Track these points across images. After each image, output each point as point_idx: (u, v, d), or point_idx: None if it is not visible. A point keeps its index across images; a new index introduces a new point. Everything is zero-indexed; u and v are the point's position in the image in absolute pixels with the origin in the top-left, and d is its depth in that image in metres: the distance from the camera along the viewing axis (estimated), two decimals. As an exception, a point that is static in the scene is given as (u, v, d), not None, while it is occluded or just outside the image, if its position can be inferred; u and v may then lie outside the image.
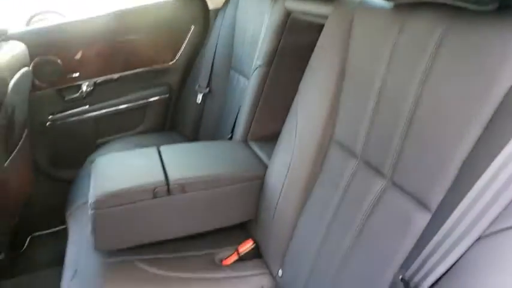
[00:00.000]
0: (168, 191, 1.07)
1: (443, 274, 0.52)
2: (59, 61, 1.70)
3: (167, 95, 1.96)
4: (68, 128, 1.80)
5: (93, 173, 1.15)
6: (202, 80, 1.82)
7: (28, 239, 1.65)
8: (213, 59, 1.79)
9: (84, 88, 1.82)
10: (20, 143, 1.47)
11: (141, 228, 1.09)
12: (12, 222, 1.43)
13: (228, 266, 1.15)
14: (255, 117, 1.39)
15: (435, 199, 0.64)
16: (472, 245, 0.50)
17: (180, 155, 1.24)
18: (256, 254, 1.18)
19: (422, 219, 0.65)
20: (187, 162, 1.19)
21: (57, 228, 1.63)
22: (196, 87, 1.84)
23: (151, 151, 1.24)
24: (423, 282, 0.54)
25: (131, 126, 1.94)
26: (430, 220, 0.63)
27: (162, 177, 1.09)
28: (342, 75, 0.94)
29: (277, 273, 1.08)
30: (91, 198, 1.04)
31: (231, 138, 1.48)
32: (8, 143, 1.33)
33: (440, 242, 0.53)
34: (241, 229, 1.25)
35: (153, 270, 1.06)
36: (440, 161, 0.65)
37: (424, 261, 0.55)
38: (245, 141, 1.40)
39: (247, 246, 1.18)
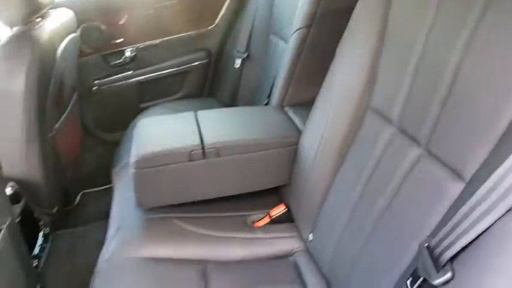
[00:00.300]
0: (204, 155, 1.11)
1: (468, 245, 0.51)
2: (104, 27, 1.76)
3: (206, 60, 1.98)
4: (112, 92, 1.88)
5: (135, 135, 1.21)
6: (241, 45, 1.82)
7: (79, 196, 1.78)
8: (253, 23, 1.77)
9: (127, 54, 1.89)
10: (70, 106, 1.56)
11: (178, 188, 1.15)
12: (64, 180, 1.55)
13: (259, 228, 1.19)
14: (292, 82, 1.37)
15: (470, 169, 0.62)
16: (499, 218, 0.48)
17: (216, 119, 1.27)
18: (287, 218, 1.21)
19: (455, 189, 0.64)
20: (222, 127, 1.22)
21: (104, 187, 1.74)
22: (235, 52, 1.84)
23: (189, 116, 1.27)
24: (447, 252, 0.53)
25: (171, 92, 2.00)
26: (462, 190, 0.61)
27: (198, 141, 1.12)
28: (381, 40, 0.91)
29: (308, 237, 1.10)
30: (132, 159, 1.10)
31: (267, 103, 1.48)
32: (58, 106, 1.42)
33: (468, 213, 0.51)
34: (274, 194, 1.27)
35: (189, 227, 1.12)
36: (478, 131, 0.62)
37: (451, 231, 0.54)
38: (281, 106, 1.39)
39: (279, 210, 1.21)
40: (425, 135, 0.75)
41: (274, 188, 1.25)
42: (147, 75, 1.93)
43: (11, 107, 1.19)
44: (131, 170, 1.10)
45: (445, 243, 0.54)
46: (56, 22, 1.41)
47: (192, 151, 1.10)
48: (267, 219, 1.21)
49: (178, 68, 1.96)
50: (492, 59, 0.61)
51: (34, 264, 1.18)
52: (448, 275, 0.53)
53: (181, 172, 1.12)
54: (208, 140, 1.13)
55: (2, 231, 0.87)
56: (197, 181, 1.16)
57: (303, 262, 1.09)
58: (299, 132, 1.20)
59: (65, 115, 1.49)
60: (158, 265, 1.02)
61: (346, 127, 0.98)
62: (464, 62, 0.66)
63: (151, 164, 1.08)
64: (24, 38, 1.22)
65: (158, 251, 1.06)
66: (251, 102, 1.73)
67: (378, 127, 0.90)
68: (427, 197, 0.71)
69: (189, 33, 1.94)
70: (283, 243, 1.15)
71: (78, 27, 1.64)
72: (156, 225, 1.13)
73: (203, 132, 1.17)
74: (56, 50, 1.37)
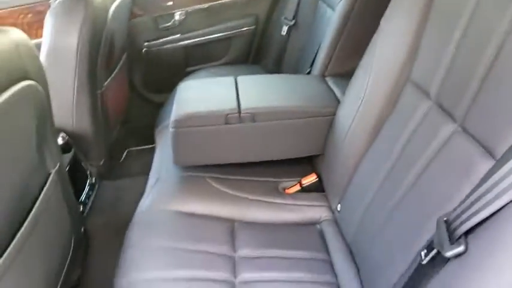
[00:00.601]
0: (239, 119, 1.13)
1: (485, 221, 0.50)
2: (155, -11, 1.81)
3: (253, 27, 1.98)
4: (161, 55, 1.94)
5: (176, 96, 1.25)
6: (289, 12, 1.79)
7: (125, 152, 1.89)
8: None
9: (176, 17, 1.92)
10: (119, 65, 1.64)
11: (213, 150, 1.19)
12: (111, 135, 1.65)
13: (290, 195, 1.21)
14: (336, 51, 1.34)
15: (502, 148, 0.59)
16: None
17: (255, 85, 1.28)
18: (318, 188, 1.22)
19: (484, 166, 0.61)
20: (260, 93, 1.23)
21: (149, 146, 1.84)
22: (282, 19, 1.82)
23: (229, 80, 1.29)
24: (463, 225, 0.52)
25: (217, 57, 2.02)
26: (490, 168, 0.59)
27: (234, 105, 1.14)
28: (427, 12, 0.87)
29: (336, 207, 1.11)
30: (172, 118, 1.15)
31: (310, 72, 1.47)
32: (108, 64, 1.50)
33: (490, 189, 0.50)
34: (307, 163, 1.28)
35: (221, 187, 1.17)
36: None
37: (470, 206, 0.52)
38: (322, 76, 1.37)
39: (310, 179, 1.22)
40: (461, 111, 0.72)
41: (308, 157, 1.26)
42: (195, 39, 1.96)
43: (65, 62, 1.27)
44: (170, 129, 1.15)
45: (463, 217, 0.53)
46: (109, -17, 1.46)
47: (228, 114, 1.12)
48: (297, 187, 1.23)
49: (225, 33, 1.97)
50: None
51: (80, 210, 1.30)
52: (461, 248, 0.52)
53: (217, 134, 1.15)
54: (245, 104, 1.15)
55: (52, 175, 0.96)
56: (232, 144, 1.19)
57: (329, 231, 1.10)
58: (337, 103, 1.19)
59: (113, 74, 1.57)
60: (190, 219, 1.08)
61: (384, 100, 0.96)
62: (509, 38, 0.62)
63: (188, 124, 1.13)
64: None
65: (190, 207, 1.11)
66: (295, 70, 1.71)
67: (415, 101, 0.87)
68: (456, 173, 0.69)
69: (237, -3, 1.94)
70: (312, 211, 1.16)
71: (130, -11, 1.69)
72: (190, 182, 1.19)
73: (241, 97, 1.19)
74: (107, 10, 1.42)
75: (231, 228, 1.08)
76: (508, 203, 0.48)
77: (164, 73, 1.98)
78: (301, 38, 1.72)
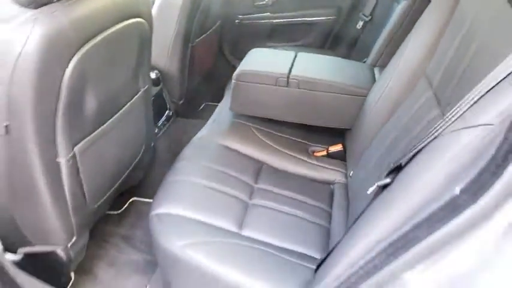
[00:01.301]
0: (287, 83, 1.38)
1: (412, 160, 0.69)
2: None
3: (334, 17, 2.17)
4: (250, 28, 2.24)
5: (245, 57, 1.54)
6: (368, 8, 1.96)
7: (202, 105, 2.25)
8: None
9: (271, -3, 2.20)
10: (212, 29, 1.97)
11: (262, 105, 1.45)
12: (193, 84, 2.00)
13: (316, 157, 1.43)
14: (389, 45, 1.51)
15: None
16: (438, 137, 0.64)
17: (310, 61, 1.51)
18: (342, 157, 1.42)
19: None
20: (311, 67, 1.45)
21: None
22: (360, 14, 1.99)
23: (291, 53, 1.54)
24: (393, 165, 0.72)
25: (296, 38, 2.26)
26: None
27: (286, 71, 1.39)
28: (447, 22, 1.02)
29: (349, 173, 1.31)
30: (235, 72, 1.44)
31: (365, 62, 1.65)
32: (202, 25, 1.84)
33: (433, 131, 0.67)
34: (337, 135, 1.48)
35: (261, 137, 1.43)
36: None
37: (408, 153, 0.71)
38: (372, 66, 1.55)
39: (336, 148, 1.43)
40: (444, 100, 0.89)
41: (338, 130, 1.46)
42: (281, 20, 2.22)
43: (170, 15, 1.63)
44: (232, 81, 1.44)
45: (401, 160, 0.72)
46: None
47: (278, 77, 1.38)
48: (324, 152, 1.45)
49: (308, 19, 2.20)
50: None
51: (155, 130, 1.67)
52: (388, 180, 0.72)
53: (267, 93, 1.42)
54: (294, 72, 1.39)
55: (140, 92, 1.31)
56: (278, 104, 1.44)
57: (339, 192, 1.31)
58: (371, 87, 1.37)
59: (205, 35, 1.91)
60: (230, 152, 1.37)
61: (400, 89, 1.14)
62: (486, 40, 0.78)
63: (245, 79, 1.41)
64: None
65: (232, 144, 1.40)
66: (359, 60, 1.88)
67: (423, 91, 1.04)
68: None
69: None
70: (329, 173, 1.37)
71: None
72: (237, 127, 1.47)
73: (294, 66, 1.43)
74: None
75: (259, 168, 1.35)
76: (420, 150, 0.66)
77: (249, 44, 2.27)
78: (373, 33, 1.88)
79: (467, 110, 0.61)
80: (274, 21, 2.23)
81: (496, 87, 0.57)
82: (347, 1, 2.15)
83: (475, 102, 0.60)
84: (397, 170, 0.74)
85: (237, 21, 2.23)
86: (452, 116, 0.64)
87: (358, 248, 0.69)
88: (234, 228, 1.09)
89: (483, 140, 0.55)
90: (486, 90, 0.58)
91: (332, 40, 2.24)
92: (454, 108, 0.65)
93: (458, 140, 0.59)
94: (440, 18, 1.04)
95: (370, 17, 1.94)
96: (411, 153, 0.70)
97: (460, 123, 0.62)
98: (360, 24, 1.99)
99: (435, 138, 0.65)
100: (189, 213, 1.08)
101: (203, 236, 1.02)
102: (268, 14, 2.22)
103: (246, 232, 1.09)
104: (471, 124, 0.58)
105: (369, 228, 0.70)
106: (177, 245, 0.98)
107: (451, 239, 0.52)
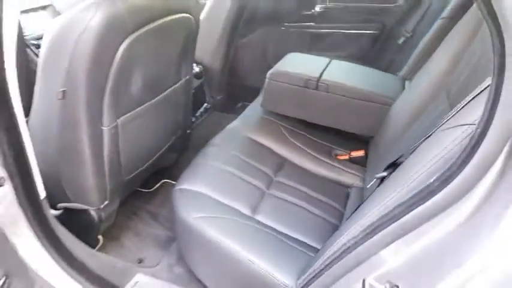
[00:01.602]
0: (316, 86, 1.46)
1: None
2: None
3: (378, 32, 2.22)
4: (294, 36, 2.34)
5: (282, 59, 1.64)
6: (410, 24, 1.99)
7: (240, 104, 2.36)
8: (428, 7, 1.91)
9: (317, 8, 2.29)
10: (255, 32, 2.10)
11: (291, 104, 1.54)
12: (232, 79, 2.11)
13: (338, 160, 1.49)
14: (421, 60, 1.54)
15: None
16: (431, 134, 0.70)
17: (342, 68, 1.58)
18: (363, 163, 1.47)
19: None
20: (341, 74, 1.52)
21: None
22: (403, 30, 2.03)
23: (325, 59, 1.62)
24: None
25: (338, 49, 2.33)
26: None
27: (316, 75, 1.47)
28: (470, 40, 1.06)
29: (366, 179, 1.36)
30: (269, 71, 1.54)
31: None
32: (247, 30, 1.96)
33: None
34: (361, 141, 1.53)
35: (287, 134, 1.52)
36: None
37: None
38: (403, 79, 1.59)
39: (358, 153, 1.48)
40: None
41: (363, 136, 1.51)
42: (325, 30, 2.31)
43: (218, 15, 1.77)
44: (266, 79, 1.54)
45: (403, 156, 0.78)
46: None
47: (308, 80, 1.46)
48: (346, 157, 1.50)
49: (353, 31, 2.27)
50: None
51: (192, 119, 1.80)
52: (384, 173, 0.78)
53: (297, 93, 1.50)
54: (325, 76, 1.47)
55: (181, 81, 1.45)
56: (306, 105, 1.52)
57: (354, 195, 1.36)
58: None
59: (250, 38, 2.04)
60: (255, 145, 1.46)
61: (421, 101, 1.18)
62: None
63: (277, 78, 1.50)
64: None
65: (259, 138, 1.49)
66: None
67: (441, 103, 1.08)
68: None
69: (373, 4, 2.21)
70: (348, 177, 1.43)
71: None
72: (266, 123, 1.57)
73: (325, 72, 1.50)
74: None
75: (282, 163, 1.43)
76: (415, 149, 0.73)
77: (291, 50, 2.35)
78: (413, 49, 1.91)
79: (458, 111, 0.67)
80: (319, 30, 2.32)
81: (483, 92, 0.63)
82: (391, 17, 2.19)
83: (465, 105, 0.65)
84: (394, 165, 0.80)
85: (282, 28, 2.33)
86: (448, 118, 0.70)
87: (347, 234, 0.76)
88: (248, 212, 1.18)
89: (463, 139, 0.61)
90: (476, 94, 0.64)
91: (373, 54, 2.29)
92: (452, 111, 0.71)
93: (445, 138, 0.65)
94: (464, 37, 1.08)
95: (411, 34, 1.97)
96: (410, 151, 0.76)
97: (451, 122, 0.68)
98: (401, 39, 2.03)
99: (428, 137, 0.71)
100: (209, 192, 1.19)
101: (219, 213, 1.12)
102: (312, 23, 2.31)
103: (258, 217, 1.17)
104: (457, 124, 0.64)
105: (359, 217, 0.77)
106: (194, 216, 1.09)
107: (421, 220, 0.58)
